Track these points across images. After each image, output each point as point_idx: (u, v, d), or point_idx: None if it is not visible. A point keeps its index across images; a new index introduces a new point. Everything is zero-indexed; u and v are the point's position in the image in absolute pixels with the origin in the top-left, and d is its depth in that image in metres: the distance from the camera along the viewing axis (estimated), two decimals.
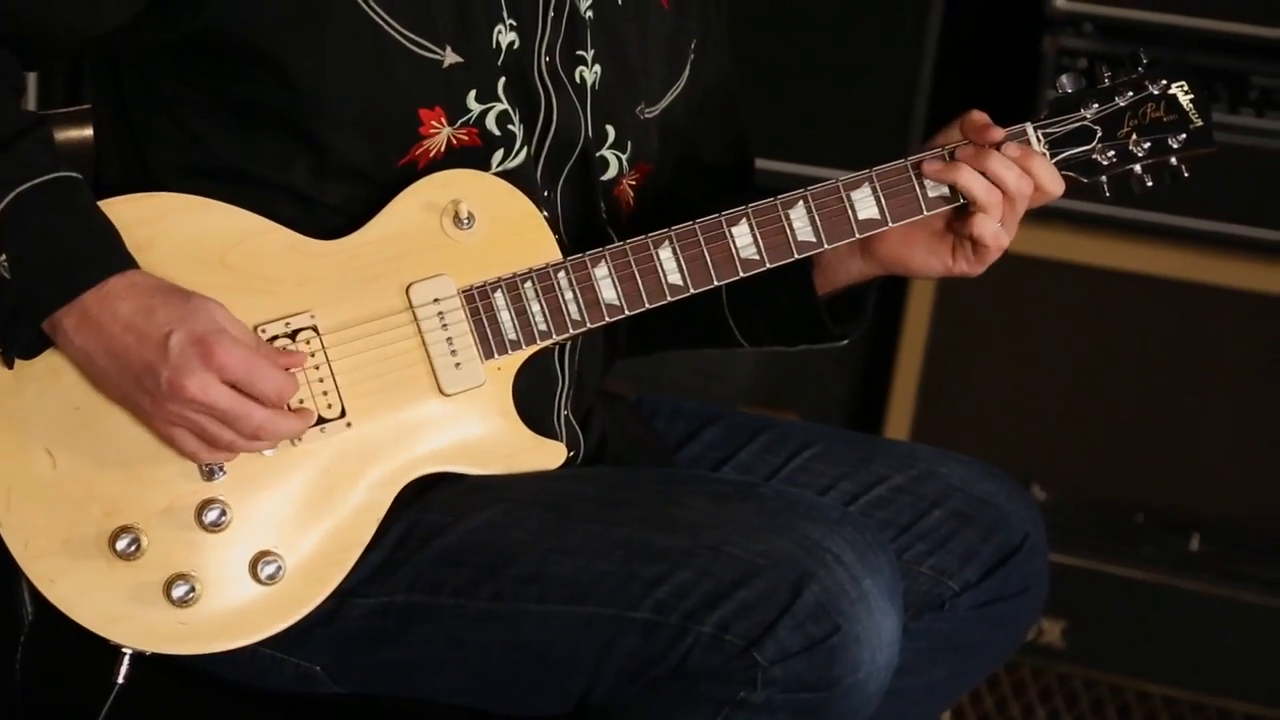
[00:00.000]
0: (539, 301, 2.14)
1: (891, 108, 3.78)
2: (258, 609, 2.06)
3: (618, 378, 2.43)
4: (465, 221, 2.13)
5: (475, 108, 2.14)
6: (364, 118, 2.09)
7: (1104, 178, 2.28)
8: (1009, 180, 2.20)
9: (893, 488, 2.31)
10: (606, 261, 2.16)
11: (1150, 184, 2.29)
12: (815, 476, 2.34)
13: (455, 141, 2.13)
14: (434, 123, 2.11)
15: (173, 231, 2.07)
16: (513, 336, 2.13)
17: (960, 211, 2.24)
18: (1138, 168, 2.28)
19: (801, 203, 2.20)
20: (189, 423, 2.02)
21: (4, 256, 1.98)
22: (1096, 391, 3.69)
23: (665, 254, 2.17)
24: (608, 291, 2.16)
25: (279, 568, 2.06)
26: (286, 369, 2.05)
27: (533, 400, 2.19)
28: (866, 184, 2.21)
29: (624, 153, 2.25)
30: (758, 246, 2.19)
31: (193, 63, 2.09)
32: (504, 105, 2.15)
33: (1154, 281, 3.66)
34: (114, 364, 2.01)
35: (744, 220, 2.19)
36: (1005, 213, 2.22)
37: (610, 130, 2.24)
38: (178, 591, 2.04)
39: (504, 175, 2.16)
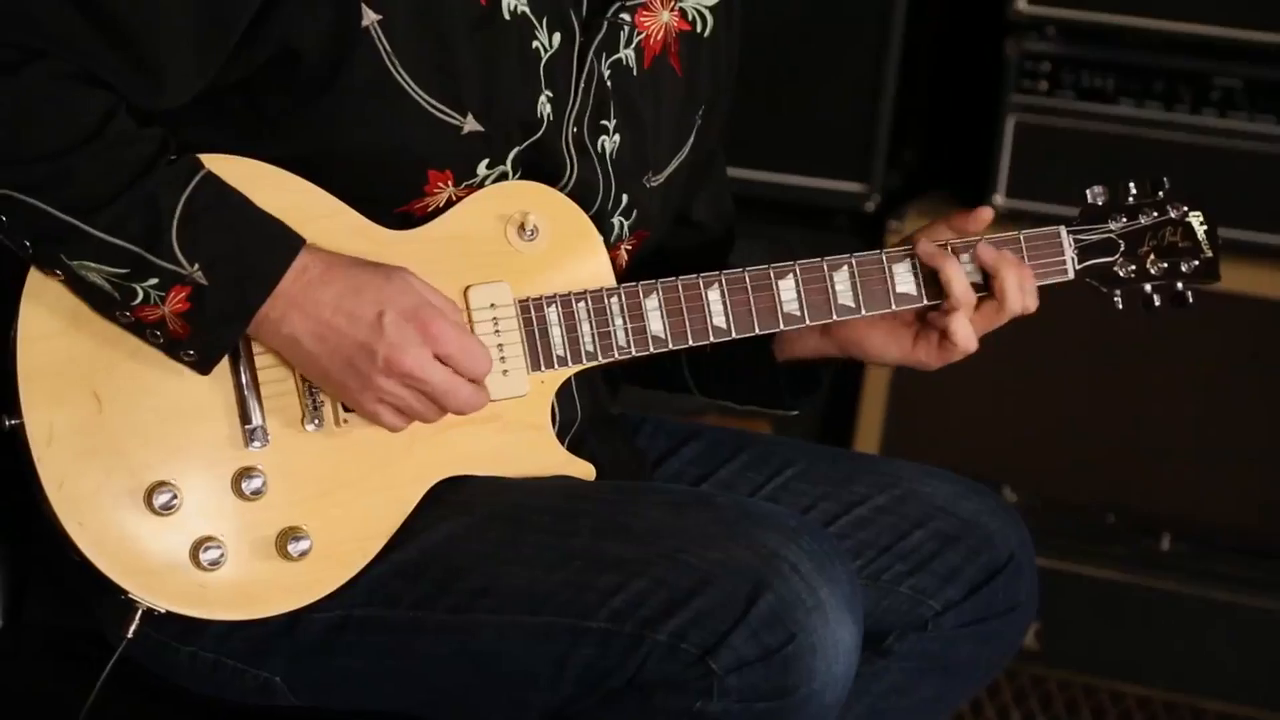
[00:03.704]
0: (590, 323, 2.16)
1: (855, 111, 3.78)
2: (276, 584, 2.05)
3: None
4: (530, 234, 2.15)
5: (482, 173, 2.14)
6: (371, 167, 2.09)
7: (1119, 291, 2.34)
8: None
9: (875, 508, 2.32)
10: (658, 294, 2.18)
11: (1157, 304, 2.35)
12: (796, 496, 2.34)
13: (455, 199, 2.13)
14: (440, 183, 2.11)
15: (262, 201, 2.03)
16: (561, 353, 2.15)
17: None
18: (1148, 286, 2.34)
19: (846, 267, 2.23)
20: (396, 399, 2.04)
21: (196, 266, 1.97)
22: (1066, 393, 3.70)
23: (714, 295, 2.20)
24: (655, 323, 2.18)
25: (307, 546, 2.05)
26: None
27: None
28: (908, 259, 2.25)
29: (628, 219, 2.25)
30: (800, 302, 2.22)
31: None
32: (505, 168, 2.15)
33: None
34: (323, 347, 2.02)
35: (790, 275, 2.22)
36: (981, 316, 2.27)
37: (624, 197, 2.25)
38: (206, 555, 2.02)
39: None
